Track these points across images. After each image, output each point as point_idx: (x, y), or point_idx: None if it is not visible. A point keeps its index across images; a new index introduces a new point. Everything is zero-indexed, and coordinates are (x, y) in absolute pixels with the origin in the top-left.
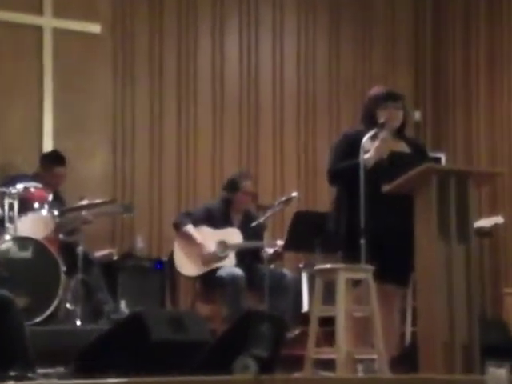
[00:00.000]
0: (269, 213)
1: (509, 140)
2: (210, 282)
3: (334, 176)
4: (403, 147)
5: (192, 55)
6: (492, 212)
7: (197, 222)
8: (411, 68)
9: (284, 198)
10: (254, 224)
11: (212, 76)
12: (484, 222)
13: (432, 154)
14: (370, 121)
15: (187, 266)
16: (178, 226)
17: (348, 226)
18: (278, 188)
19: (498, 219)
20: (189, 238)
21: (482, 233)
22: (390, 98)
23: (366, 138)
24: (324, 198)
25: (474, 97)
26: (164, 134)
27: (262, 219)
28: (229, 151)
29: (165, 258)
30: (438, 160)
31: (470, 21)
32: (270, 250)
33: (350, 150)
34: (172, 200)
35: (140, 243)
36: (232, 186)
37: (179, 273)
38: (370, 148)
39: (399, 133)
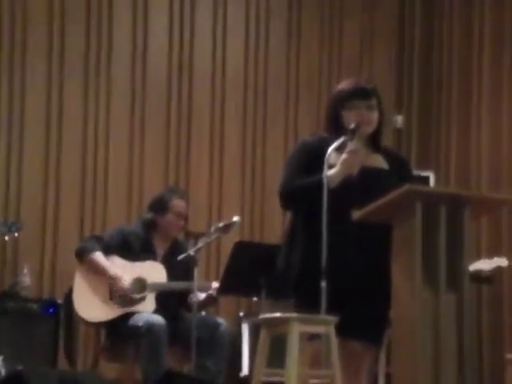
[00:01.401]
0: (202, 243)
1: None
2: (120, 331)
3: (289, 197)
4: (379, 161)
5: (105, 30)
6: (494, 252)
7: (108, 251)
8: (393, 58)
9: (222, 224)
10: (181, 257)
11: (131, 59)
12: (483, 265)
13: (417, 172)
14: (336, 126)
15: (91, 308)
16: (82, 254)
17: (304, 264)
18: (215, 210)
19: (502, 261)
20: (97, 270)
21: (480, 278)
22: (360, 94)
23: (330, 149)
24: (274, 226)
25: (474, 98)
26: (64, 132)
27: (191, 251)
28: (150, 161)
29: (59, 300)
30: (424, 180)
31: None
32: (201, 295)
33: (310, 164)
34: (72, 221)
35: (26, 278)
36: (159, 205)
37: (79, 317)
38: (336, 162)
39: (374, 142)
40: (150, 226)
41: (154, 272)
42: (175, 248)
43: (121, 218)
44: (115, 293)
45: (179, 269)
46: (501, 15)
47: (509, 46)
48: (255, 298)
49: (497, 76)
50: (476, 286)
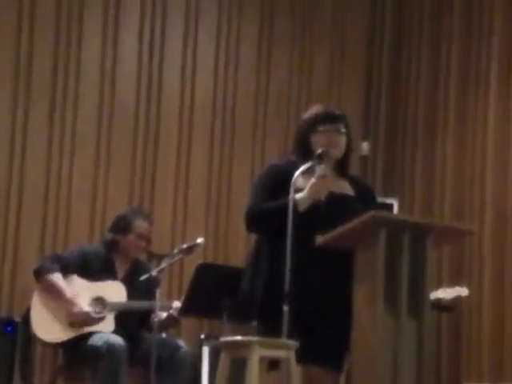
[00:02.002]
0: (164, 264)
1: (481, 188)
2: (78, 351)
3: (255, 219)
4: (345, 187)
5: (74, 46)
6: (455, 280)
7: (68, 270)
8: (362, 85)
9: (185, 246)
10: (143, 278)
11: (100, 81)
12: (443, 294)
13: (381, 200)
14: (304, 150)
15: (48, 328)
16: (39, 274)
17: (267, 288)
18: (179, 231)
19: (462, 291)
20: (54, 291)
21: (440, 306)
22: (329, 118)
23: (298, 173)
24: (238, 249)
25: (440, 128)
26: (28, 150)
27: (154, 272)
28: (115, 181)
29: (17, 319)
30: (388, 207)
31: (441, 26)
32: (163, 315)
33: (277, 187)
34: (33, 239)
35: None
36: (121, 225)
37: (36, 337)
38: (303, 185)
39: (341, 168)
40: (111, 246)
41: (114, 291)
42: (136, 268)
43: (83, 238)
44: (71, 316)
45: (140, 289)
46: (467, 50)
47: (473, 79)
48: (217, 321)
49: (462, 106)
50: (436, 313)
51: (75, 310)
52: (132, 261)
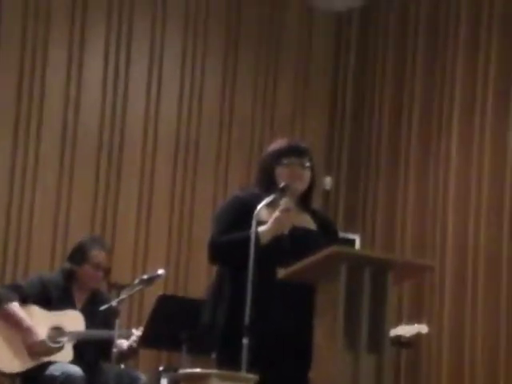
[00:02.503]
0: (124, 295)
1: (443, 223)
2: (36, 382)
3: (218, 251)
4: (307, 221)
5: (39, 72)
6: (415, 316)
7: (26, 299)
8: (325, 120)
9: (146, 277)
10: (103, 308)
11: (64, 103)
12: (403, 331)
13: (343, 235)
14: (268, 182)
15: (5, 358)
16: None
17: (227, 320)
18: (140, 262)
19: (422, 328)
20: (12, 321)
21: (400, 342)
22: (294, 152)
23: (260, 206)
24: (199, 280)
25: (401, 164)
26: None
27: (114, 302)
28: (77, 209)
29: None
30: (350, 242)
31: (405, 61)
32: (123, 344)
33: (240, 219)
34: None
35: None
36: (78, 255)
37: None
38: (266, 218)
39: (303, 202)
40: (69, 276)
41: (73, 321)
42: (95, 298)
43: (44, 266)
44: (30, 346)
45: (99, 319)
46: (430, 88)
47: (436, 115)
48: (177, 352)
49: (424, 142)
50: (395, 349)
51: (34, 339)
52: (91, 291)
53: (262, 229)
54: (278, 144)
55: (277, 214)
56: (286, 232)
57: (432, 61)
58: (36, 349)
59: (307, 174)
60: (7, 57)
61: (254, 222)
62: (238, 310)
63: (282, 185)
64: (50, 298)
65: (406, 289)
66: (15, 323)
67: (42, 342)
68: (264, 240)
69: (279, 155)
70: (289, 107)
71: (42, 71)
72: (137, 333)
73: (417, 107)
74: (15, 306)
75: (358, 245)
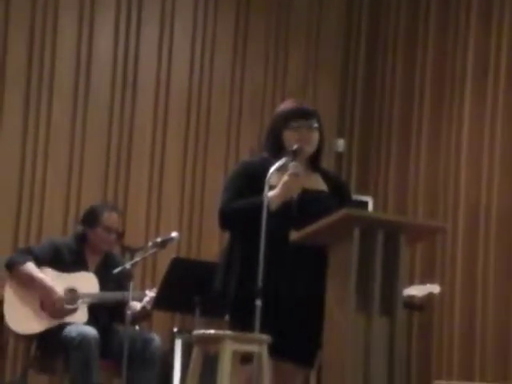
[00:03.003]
0: (138, 257)
1: (455, 185)
2: (52, 343)
3: (228, 217)
4: (318, 183)
5: (49, 37)
6: (427, 277)
7: (39, 263)
8: (337, 83)
9: (159, 240)
10: (116, 271)
11: (75, 71)
12: (415, 291)
13: (356, 197)
14: (277, 146)
15: (22, 320)
16: (12, 266)
17: (240, 283)
18: (153, 225)
19: (434, 288)
20: (30, 281)
21: (412, 305)
22: (301, 114)
23: (272, 170)
24: (212, 243)
25: (414, 127)
26: (2, 144)
27: (127, 265)
28: (89, 175)
29: None
30: (363, 205)
31: (417, 28)
32: (137, 306)
33: (250, 185)
34: (7, 232)
35: None
36: (90, 218)
37: (10, 330)
38: (276, 183)
39: (314, 162)
40: (81, 239)
41: (87, 282)
42: (108, 261)
43: (56, 232)
44: (48, 305)
45: (112, 282)
46: (443, 52)
47: (449, 79)
48: (190, 315)
49: (437, 104)
50: (407, 312)
51: (53, 296)
52: (103, 254)
53: (270, 194)
54: (285, 107)
55: (285, 178)
56: (294, 197)
57: (445, 25)
58: (58, 305)
59: (315, 136)
60: (17, 21)
61: (266, 187)
62: (249, 273)
63: (294, 147)
64: (63, 261)
65: (418, 249)
66: (32, 283)
67: (59, 304)
68: (273, 205)
69: (286, 118)
70: (300, 74)
71: (53, 36)
72: (150, 294)
73: (429, 70)
74: (30, 266)
75: (370, 207)
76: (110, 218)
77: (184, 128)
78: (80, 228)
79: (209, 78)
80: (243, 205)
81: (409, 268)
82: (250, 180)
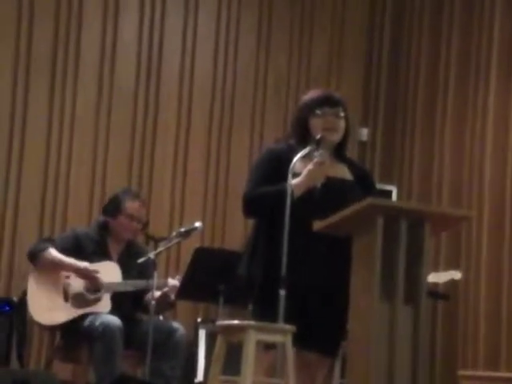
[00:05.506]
0: (162, 247)
1: (479, 173)
2: (75, 333)
3: (252, 204)
4: (343, 172)
5: (74, 27)
6: (452, 265)
7: (61, 252)
8: (361, 72)
9: (183, 229)
10: (141, 260)
11: (100, 60)
12: (437, 278)
13: (380, 186)
14: (302, 133)
15: (45, 311)
16: (35, 254)
17: (264, 272)
18: (177, 215)
19: (455, 274)
20: (51, 266)
21: (437, 294)
22: (328, 102)
23: (297, 158)
24: (237, 233)
25: (438, 115)
26: (28, 133)
27: (152, 254)
28: (114, 164)
29: (15, 298)
30: (387, 194)
31: (442, 12)
32: (157, 294)
33: (275, 171)
34: (32, 221)
35: None
36: (112, 207)
37: (34, 321)
38: (301, 171)
39: (339, 151)
40: (103, 228)
41: (110, 272)
42: (130, 250)
43: (81, 220)
44: (92, 283)
45: (135, 271)
46: (468, 36)
47: (473, 65)
48: (214, 304)
49: (462, 92)
50: (432, 301)
51: (91, 274)
52: (126, 243)
53: (294, 182)
54: (311, 95)
55: (310, 166)
56: (318, 185)
57: (470, 10)
58: (75, 299)
59: (342, 124)
60: (43, 11)
61: (289, 175)
62: (273, 262)
63: (317, 137)
64: (85, 251)
65: (443, 237)
66: (55, 266)
67: (96, 281)
68: (297, 193)
69: (313, 106)
70: (324, 62)
71: (78, 28)
72: (172, 282)
73: (454, 58)
74: (53, 252)
75: (394, 196)
76: (132, 206)
77: (208, 117)
78: (102, 217)
79: (233, 67)
80: (267, 191)
81: (434, 255)
82: (276, 167)
